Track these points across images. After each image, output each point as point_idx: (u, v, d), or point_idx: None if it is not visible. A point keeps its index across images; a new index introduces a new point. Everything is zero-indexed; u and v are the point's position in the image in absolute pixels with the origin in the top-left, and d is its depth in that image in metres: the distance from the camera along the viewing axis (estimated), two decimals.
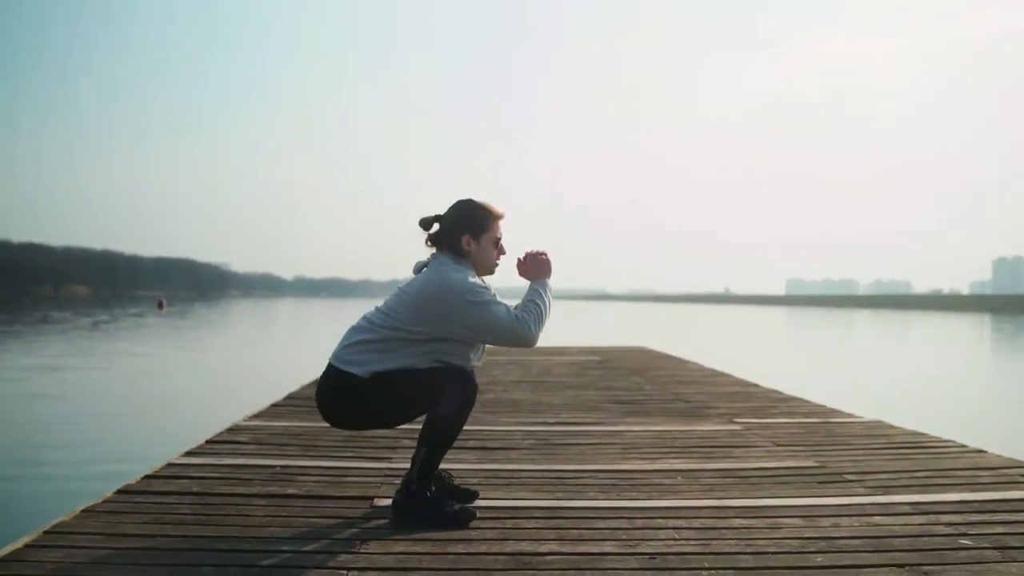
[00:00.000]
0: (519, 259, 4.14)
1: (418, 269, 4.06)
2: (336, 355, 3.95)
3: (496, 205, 4.06)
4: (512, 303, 3.98)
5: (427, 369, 3.88)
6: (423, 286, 3.89)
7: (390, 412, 3.99)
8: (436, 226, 4.05)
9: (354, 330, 3.98)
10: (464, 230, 3.98)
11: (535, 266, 4.10)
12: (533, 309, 3.93)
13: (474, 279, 3.93)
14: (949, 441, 6.13)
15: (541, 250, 4.14)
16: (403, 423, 4.09)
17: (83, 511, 4.04)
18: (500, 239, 4.06)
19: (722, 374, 11.67)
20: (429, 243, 4.06)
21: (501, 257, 4.09)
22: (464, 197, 4.06)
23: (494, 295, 3.89)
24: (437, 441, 3.90)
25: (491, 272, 4.09)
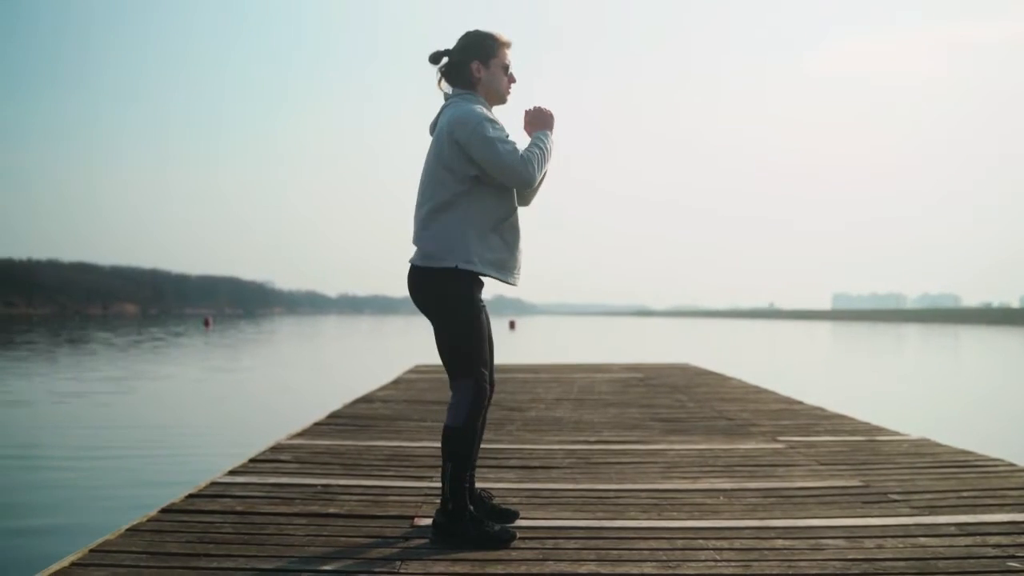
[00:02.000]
0: (525, 111, 4.18)
1: (433, 126, 4.12)
2: (414, 255, 4.02)
3: (504, 33, 4.11)
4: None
5: (477, 343, 3.96)
6: (441, 126, 3.98)
7: (438, 326, 4.01)
8: (445, 59, 4.11)
9: (415, 223, 4.03)
10: (473, 57, 4.05)
11: (539, 118, 4.14)
12: (536, 151, 3.97)
13: (487, 111, 3.97)
14: (998, 460, 6.03)
15: (545, 106, 4.16)
16: (439, 346, 4.08)
17: (128, 530, 4.09)
18: (509, 66, 4.12)
19: (765, 391, 11.58)
20: (440, 78, 4.12)
21: (511, 85, 4.14)
22: (471, 29, 4.12)
23: (507, 134, 3.94)
24: (455, 453, 3.94)
25: (503, 100, 4.13)
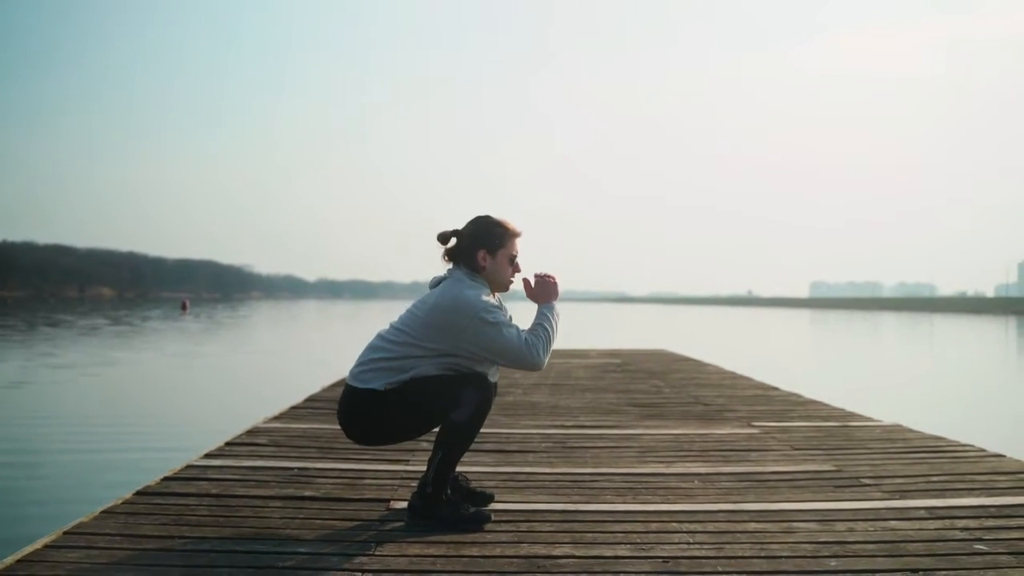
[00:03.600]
0: (525, 280, 4.17)
1: (434, 284, 4.08)
2: (352, 374, 3.99)
3: (513, 223, 4.08)
4: (517, 313, 4.00)
5: (443, 376, 3.91)
6: (438, 301, 3.92)
7: (412, 422, 3.99)
8: (453, 240, 4.08)
9: (369, 349, 4.01)
10: (480, 245, 4.00)
11: (543, 289, 4.13)
12: (542, 334, 3.95)
13: (488, 297, 3.94)
14: (968, 445, 6.10)
15: (550, 274, 4.16)
16: (425, 431, 4.09)
17: (102, 512, 4.09)
18: (516, 256, 4.09)
19: (742, 377, 11.65)
20: (446, 258, 4.08)
21: (516, 275, 4.11)
22: (482, 214, 4.09)
23: (509, 317, 3.92)
24: (453, 445, 3.93)
25: (505, 289, 4.11)
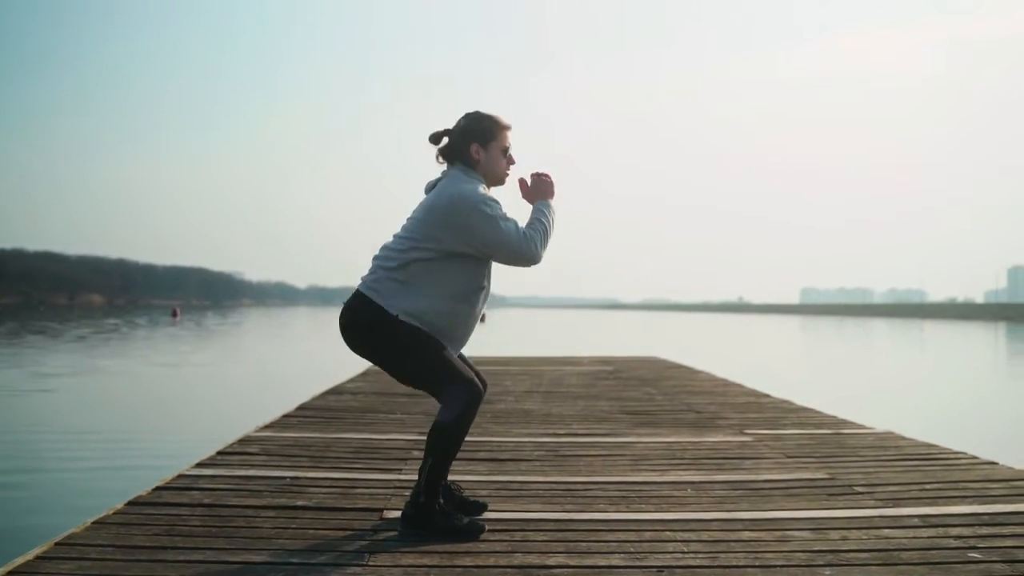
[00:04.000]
0: (521, 180, 4.19)
1: (430, 187, 4.11)
2: (364, 282, 4.00)
3: (504, 116, 4.10)
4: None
5: (445, 357, 3.90)
6: (435, 199, 3.95)
7: (397, 367, 4.00)
8: (445, 139, 4.10)
9: (376, 259, 4.03)
10: (473, 139, 4.03)
11: (539, 187, 4.15)
12: (539, 227, 3.97)
13: (485, 191, 3.96)
14: (960, 453, 6.11)
15: (544, 172, 4.17)
16: (402, 383, 4.09)
17: (94, 523, 4.06)
18: (508, 149, 4.11)
19: (733, 384, 11.66)
20: (439, 158, 4.11)
21: (510, 168, 4.13)
22: (472, 110, 4.11)
23: (505, 211, 3.92)
24: (441, 450, 3.91)
25: (501, 182, 4.12)
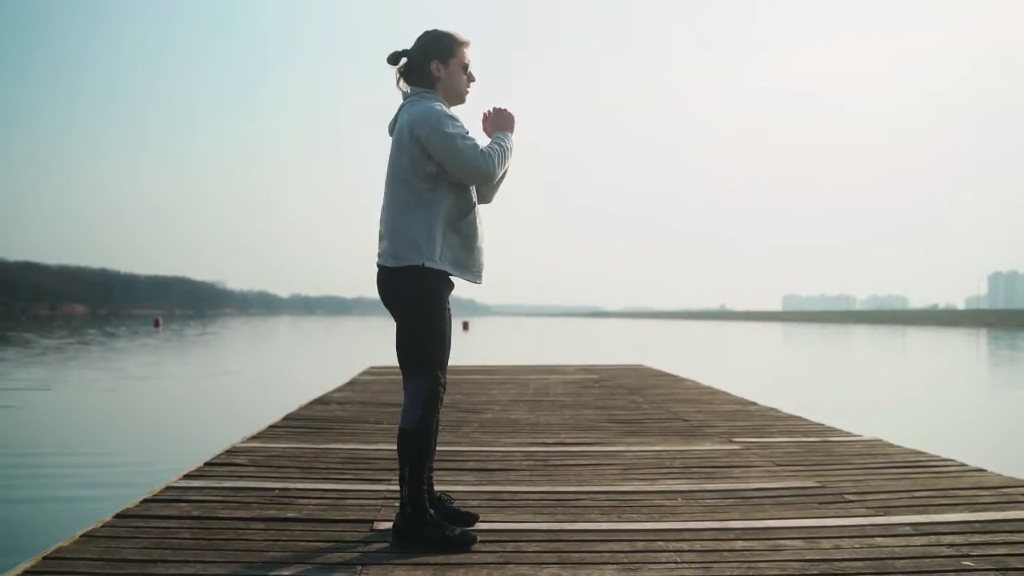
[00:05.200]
0: (484, 113, 4.21)
1: (391, 126, 4.11)
2: (381, 257, 4.03)
3: (462, 33, 4.12)
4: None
5: (438, 343, 3.95)
6: (399, 126, 3.97)
7: (401, 320, 4.01)
8: (404, 59, 4.10)
9: (380, 230, 4.05)
10: (432, 56, 4.05)
11: (499, 120, 4.17)
12: (496, 147, 4.00)
13: (446, 108, 3.99)
14: (949, 460, 6.13)
15: (505, 108, 4.19)
16: (397, 344, 4.06)
17: (82, 536, 4.02)
18: (468, 65, 4.12)
19: (720, 392, 11.66)
20: (399, 79, 4.12)
21: (471, 85, 4.15)
22: (430, 28, 4.12)
23: (467, 131, 3.94)
24: (411, 455, 3.94)
25: (461, 100, 4.14)
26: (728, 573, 3.56)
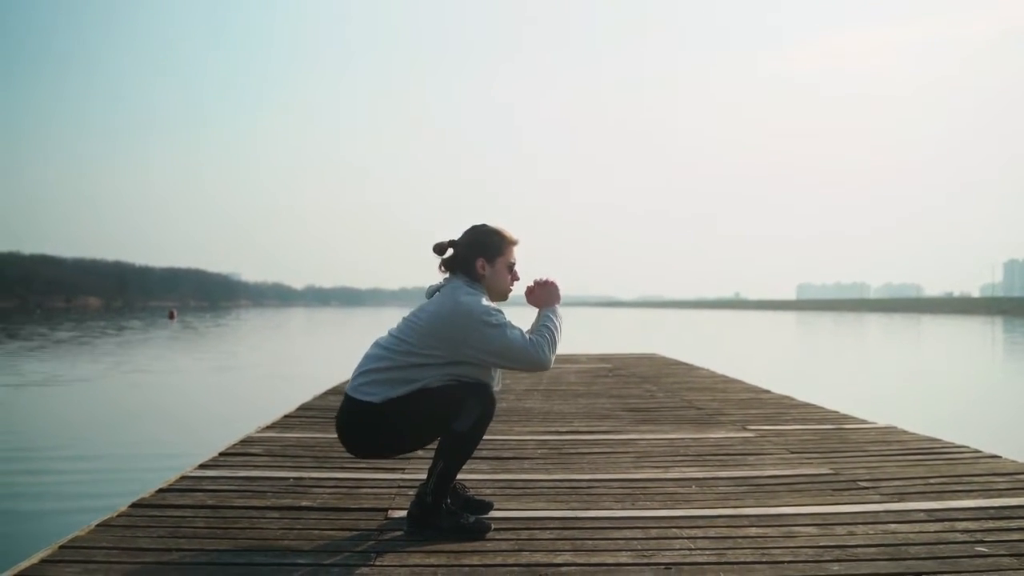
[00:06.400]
0: (528, 287, 4.17)
1: (430, 293, 4.07)
2: (352, 386, 3.94)
3: (510, 231, 4.08)
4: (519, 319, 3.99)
5: (443, 387, 3.88)
6: (438, 309, 3.89)
7: (410, 435, 3.96)
8: (450, 251, 4.06)
9: (368, 359, 3.97)
10: (479, 254, 3.99)
11: (544, 293, 4.12)
12: (546, 334, 3.94)
13: (488, 302, 3.93)
14: (963, 447, 6.11)
15: (550, 278, 4.15)
16: (423, 445, 4.07)
17: (98, 525, 4.05)
18: (514, 264, 4.08)
19: (734, 380, 11.65)
20: (443, 268, 4.06)
21: (515, 283, 4.11)
22: (479, 223, 4.08)
23: (508, 319, 3.89)
24: (454, 455, 3.90)
25: (504, 297, 4.09)
26: (742, 560, 3.56)
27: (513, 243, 4.07)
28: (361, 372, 3.94)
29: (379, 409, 3.84)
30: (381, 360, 3.91)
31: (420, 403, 3.85)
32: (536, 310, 4.11)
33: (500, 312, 3.90)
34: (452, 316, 3.83)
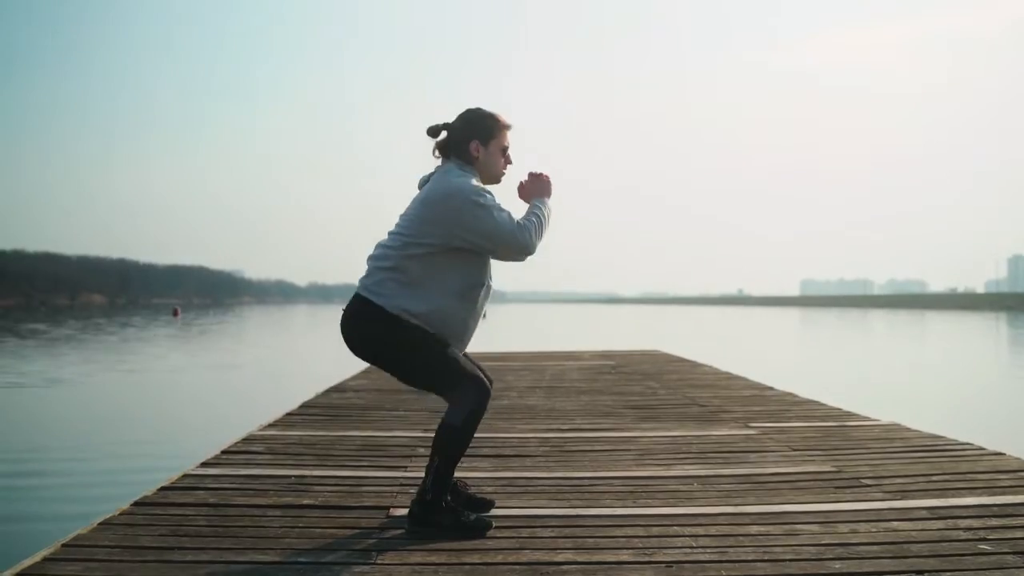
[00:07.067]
0: (521, 182, 4.18)
1: (423, 182, 4.10)
2: (363, 284, 3.96)
3: (505, 115, 4.09)
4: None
5: (451, 356, 3.89)
6: (428, 194, 3.93)
7: (402, 368, 3.97)
8: (444, 133, 4.08)
9: (372, 259, 3.99)
10: (473, 136, 4.01)
11: (536, 186, 4.14)
12: (533, 219, 3.95)
13: (479, 184, 3.95)
14: (967, 444, 6.09)
15: (543, 172, 4.17)
16: (408, 383, 4.09)
17: (100, 524, 4.05)
18: (507, 148, 4.10)
19: (737, 377, 11.63)
20: (437, 152, 4.09)
21: (507, 167, 4.12)
22: (473, 106, 4.10)
23: (500, 204, 3.90)
24: (449, 450, 3.90)
25: (497, 181, 4.10)
26: (744, 558, 3.55)
27: (507, 127, 4.08)
28: (369, 273, 3.96)
29: (386, 316, 3.85)
30: (383, 259, 3.94)
31: (424, 345, 3.86)
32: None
33: (491, 194, 3.91)
34: (443, 198, 3.85)
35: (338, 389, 10.11)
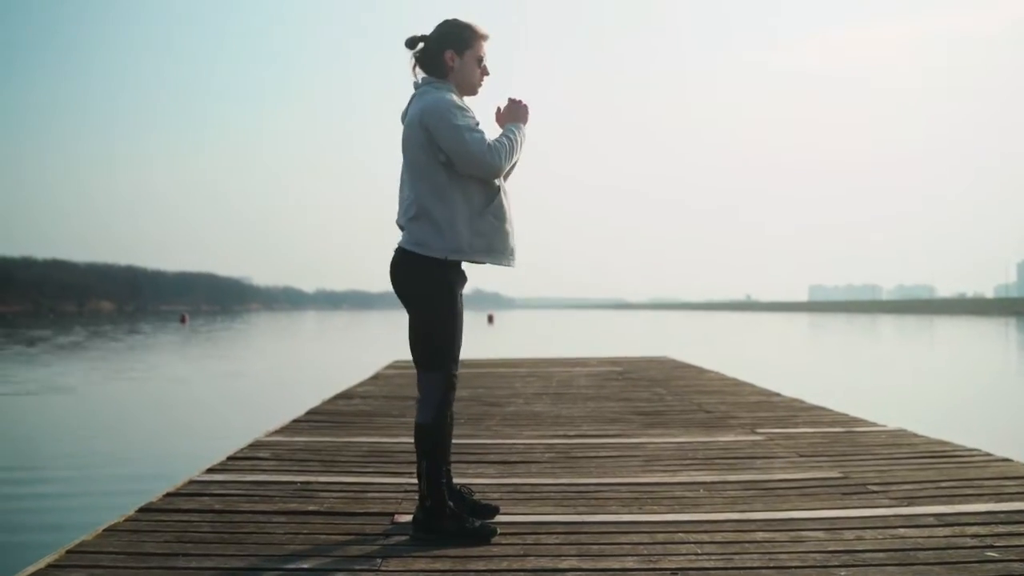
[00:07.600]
0: (499, 107, 4.18)
1: (404, 114, 4.09)
2: (403, 241, 4.00)
3: (482, 25, 4.09)
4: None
5: (455, 342, 3.96)
6: (410, 120, 3.96)
7: (419, 319, 4.00)
8: (421, 44, 4.08)
9: (399, 220, 4.06)
10: (448, 46, 4.02)
11: (512, 111, 4.14)
12: (504, 140, 3.95)
13: (456, 98, 3.96)
14: (974, 450, 6.07)
15: (521, 99, 4.16)
16: (410, 337, 4.05)
17: (105, 530, 4.05)
18: (483, 59, 4.10)
19: (744, 383, 11.61)
20: (415, 65, 4.09)
21: (484, 78, 4.12)
22: (449, 18, 4.10)
23: (476, 123, 3.90)
24: (428, 450, 3.93)
25: (474, 92, 4.10)
26: (749, 564, 3.54)
27: (483, 37, 4.08)
28: (403, 229, 4.01)
29: (435, 263, 3.90)
30: (406, 212, 3.99)
31: (450, 311, 3.94)
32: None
33: (467, 112, 3.91)
34: (423, 117, 3.88)
35: (345, 396, 10.11)
